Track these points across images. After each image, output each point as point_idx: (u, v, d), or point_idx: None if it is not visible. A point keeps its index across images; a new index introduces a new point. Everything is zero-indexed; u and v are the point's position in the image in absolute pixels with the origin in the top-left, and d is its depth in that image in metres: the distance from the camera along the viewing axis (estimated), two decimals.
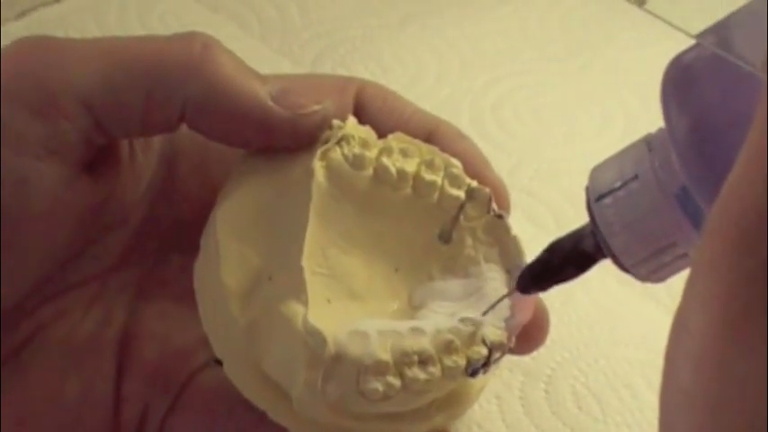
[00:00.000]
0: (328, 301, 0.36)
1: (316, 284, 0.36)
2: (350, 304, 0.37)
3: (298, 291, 0.34)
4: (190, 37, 0.36)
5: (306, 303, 0.34)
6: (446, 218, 0.38)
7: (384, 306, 0.37)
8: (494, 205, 0.38)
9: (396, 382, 0.34)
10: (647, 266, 0.33)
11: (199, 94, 0.36)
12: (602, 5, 0.67)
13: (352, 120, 0.38)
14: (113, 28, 0.61)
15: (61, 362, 0.38)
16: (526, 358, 0.44)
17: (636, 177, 0.32)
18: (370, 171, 0.37)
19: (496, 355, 0.36)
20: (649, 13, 0.66)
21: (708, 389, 0.23)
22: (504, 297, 0.37)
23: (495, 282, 0.38)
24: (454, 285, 0.38)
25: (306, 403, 0.34)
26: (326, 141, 0.37)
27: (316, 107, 0.37)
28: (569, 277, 0.35)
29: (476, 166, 0.39)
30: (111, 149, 0.38)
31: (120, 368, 0.38)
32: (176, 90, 0.36)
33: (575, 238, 0.34)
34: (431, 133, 0.39)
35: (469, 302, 0.37)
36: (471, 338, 0.35)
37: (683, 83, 0.30)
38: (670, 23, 0.64)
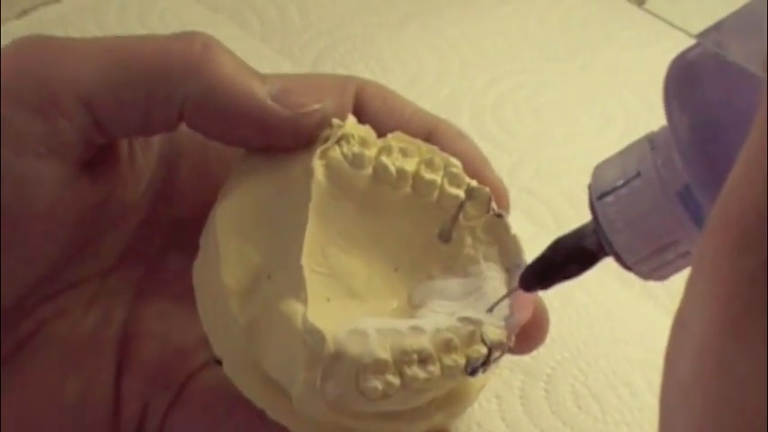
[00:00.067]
0: (328, 300, 0.36)
1: (315, 283, 0.36)
2: (349, 303, 0.37)
3: (297, 289, 0.34)
4: (190, 36, 0.36)
5: (305, 302, 0.34)
6: (446, 217, 0.38)
7: (383, 305, 0.37)
8: (493, 204, 0.38)
9: (395, 380, 0.34)
10: (649, 264, 0.33)
11: (199, 93, 0.36)
12: (602, 5, 0.67)
13: (351, 119, 0.38)
14: (113, 27, 0.61)
15: (61, 361, 0.38)
16: (526, 357, 0.44)
17: (638, 175, 0.32)
18: (369, 170, 0.37)
19: (496, 354, 0.36)
20: (649, 12, 0.66)
21: (708, 387, 0.23)
22: (507, 294, 0.37)
23: (495, 281, 0.38)
24: (454, 284, 0.38)
25: (305, 402, 0.34)
26: (326, 140, 0.37)
27: (315, 106, 0.37)
28: (572, 275, 0.35)
29: (475, 166, 0.39)
30: (111, 149, 0.38)
31: (119, 367, 0.38)
32: (176, 89, 0.36)
33: (577, 235, 0.34)
34: (430, 133, 0.39)
35: (469, 301, 0.37)
36: (471, 337, 0.35)
37: (685, 81, 0.30)
38: (670, 23, 0.64)
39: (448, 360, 0.35)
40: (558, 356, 0.46)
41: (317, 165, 0.37)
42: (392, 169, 0.38)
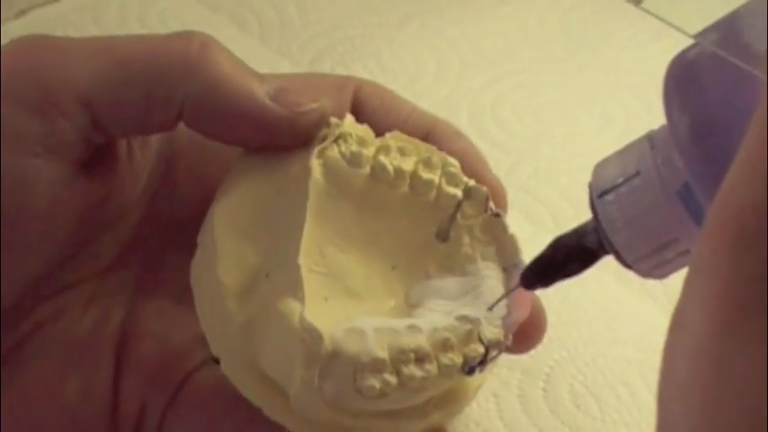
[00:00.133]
0: (325, 298, 0.36)
1: (313, 282, 0.36)
2: (347, 302, 0.37)
3: (295, 288, 0.34)
4: (188, 36, 0.36)
5: (303, 301, 0.34)
6: (443, 216, 0.38)
7: (381, 304, 0.37)
8: (491, 204, 0.39)
9: (392, 379, 0.34)
10: (649, 262, 0.33)
11: (197, 92, 0.36)
12: (600, 5, 0.67)
13: (349, 118, 0.38)
14: (112, 27, 0.61)
15: (59, 361, 0.38)
16: (524, 357, 0.44)
17: (638, 174, 0.32)
18: (367, 169, 0.37)
19: (493, 353, 0.36)
20: (647, 12, 0.66)
21: (705, 386, 0.23)
22: (508, 293, 0.37)
23: (492, 280, 0.38)
24: (451, 283, 0.38)
25: (303, 400, 0.34)
26: (324, 139, 0.37)
27: (313, 105, 0.37)
28: (573, 273, 0.35)
29: (473, 165, 0.39)
30: (110, 148, 0.38)
31: (118, 366, 0.38)
32: (174, 89, 0.36)
33: (578, 233, 0.34)
34: (428, 132, 0.40)
35: (466, 300, 0.37)
36: (468, 336, 0.35)
37: (685, 80, 0.30)
38: (668, 23, 0.64)
39: (445, 359, 0.35)
40: (556, 356, 0.46)
41: (315, 164, 0.37)
42: (390, 168, 0.38)
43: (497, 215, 0.39)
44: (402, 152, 0.38)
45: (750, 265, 0.22)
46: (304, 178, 0.36)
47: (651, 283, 0.48)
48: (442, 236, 0.39)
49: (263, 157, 0.38)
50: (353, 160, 0.37)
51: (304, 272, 0.35)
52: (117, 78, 0.36)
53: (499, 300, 0.37)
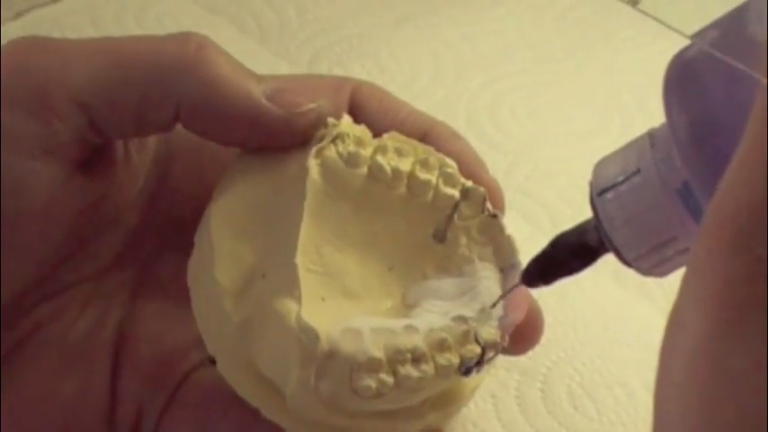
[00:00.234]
0: (322, 299, 0.36)
1: (309, 282, 0.36)
2: (344, 302, 0.37)
3: (291, 288, 0.34)
4: (184, 37, 0.36)
5: (299, 300, 0.34)
6: (440, 217, 0.38)
7: (378, 304, 0.37)
8: (488, 205, 0.39)
9: (388, 379, 0.34)
10: (648, 261, 0.33)
11: (193, 93, 0.36)
12: (597, 6, 0.67)
13: (347, 118, 0.38)
14: (110, 29, 0.61)
15: (57, 362, 0.38)
16: (522, 357, 0.44)
17: (638, 172, 0.32)
18: (364, 169, 0.37)
19: (490, 354, 0.36)
20: (643, 13, 0.66)
21: (702, 385, 0.23)
22: (507, 292, 0.37)
23: (489, 281, 0.38)
24: (448, 284, 0.38)
25: (299, 400, 0.34)
26: (321, 139, 0.37)
27: (310, 105, 0.37)
28: (573, 271, 0.35)
29: (470, 167, 0.39)
30: (106, 149, 0.38)
31: (115, 367, 0.38)
32: (171, 90, 0.36)
33: (579, 231, 0.34)
34: (426, 133, 0.40)
35: (463, 301, 0.37)
36: (465, 337, 0.35)
37: (684, 78, 0.30)
38: (665, 24, 0.64)
39: (441, 359, 0.35)
40: (553, 356, 0.46)
41: (313, 164, 0.37)
42: (387, 169, 0.38)
43: (494, 216, 0.39)
44: (399, 153, 0.38)
45: (747, 264, 0.22)
46: (301, 178, 0.36)
47: (648, 283, 0.48)
48: (439, 236, 0.39)
49: (260, 157, 0.38)
50: (351, 160, 0.37)
51: (301, 271, 0.35)
52: (114, 80, 0.36)
53: (499, 299, 0.37)
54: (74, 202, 0.37)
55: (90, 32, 0.61)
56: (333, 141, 0.37)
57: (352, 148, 0.37)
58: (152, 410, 0.38)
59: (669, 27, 0.64)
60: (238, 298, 0.36)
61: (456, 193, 0.38)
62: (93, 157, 0.37)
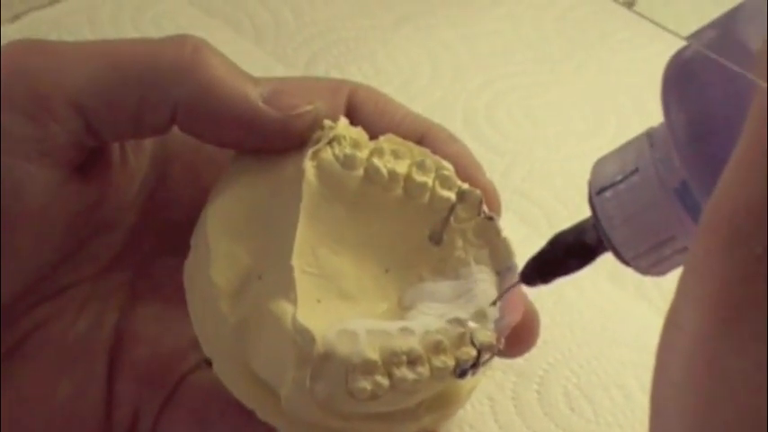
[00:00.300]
0: (318, 300, 0.36)
1: (305, 284, 0.36)
2: (340, 304, 0.37)
3: (287, 290, 0.34)
4: (181, 39, 0.37)
5: (295, 302, 0.34)
6: (437, 219, 0.38)
7: (374, 307, 0.37)
8: (484, 207, 0.38)
9: (384, 381, 0.34)
10: (647, 259, 0.33)
11: (190, 96, 0.36)
12: (595, 7, 0.67)
13: (343, 120, 0.38)
14: (107, 31, 0.61)
15: (54, 363, 0.38)
16: (519, 359, 0.44)
17: (636, 171, 0.32)
18: (360, 171, 0.37)
19: (485, 356, 0.36)
20: (639, 15, 0.66)
21: (699, 385, 0.23)
22: (505, 291, 0.37)
23: (485, 283, 0.38)
24: (444, 287, 0.38)
25: (294, 402, 0.34)
26: (318, 142, 0.37)
27: (307, 108, 0.37)
28: (572, 269, 0.35)
29: (467, 169, 0.39)
30: (103, 152, 0.38)
31: (112, 369, 0.38)
32: (167, 92, 0.36)
33: (577, 230, 0.34)
34: (422, 136, 0.40)
35: (459, 304, 0.37)
36: (460, 339, 0.35)
37: (683, 78, 0.30)
38: (660, 26, 0.64)
39: (437, 362, 0.35)
40: (550, 358, 0.46)
41: (309, 166, 0.37)
42: (383, 171, 0.38)
43: (491, 218, 0.39)
44: (396, 155, 0.38)
45: (744, 264, 0.22)
46: (297, 180, 0.36)
47: (645, 284, 0.48)
48: (436, 239, 0.39)
49: (256, 159, 0.38)
50: (347, 163, 0.37)
51: (297, 273, 0.35)
52: (110, 82, 0.36)
53: (497, 300, 0.37)
54: (70, 205, 0.37)
55: (87, 34, 0.61)
56: (329, 143, 0.37)
57: (348, 150, 0.37)
58: (149, 412, 0.38)
59: (665, 29, 0.64)
60: (234, 299, 0.36)
61: (452, 195, 0.38)
62: (90, 160, 0.37)
